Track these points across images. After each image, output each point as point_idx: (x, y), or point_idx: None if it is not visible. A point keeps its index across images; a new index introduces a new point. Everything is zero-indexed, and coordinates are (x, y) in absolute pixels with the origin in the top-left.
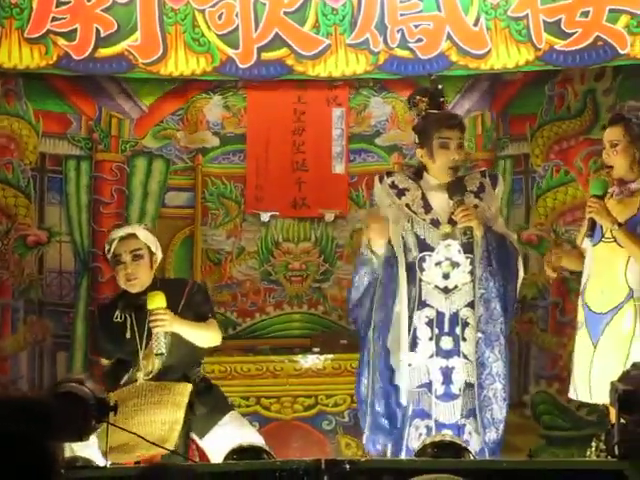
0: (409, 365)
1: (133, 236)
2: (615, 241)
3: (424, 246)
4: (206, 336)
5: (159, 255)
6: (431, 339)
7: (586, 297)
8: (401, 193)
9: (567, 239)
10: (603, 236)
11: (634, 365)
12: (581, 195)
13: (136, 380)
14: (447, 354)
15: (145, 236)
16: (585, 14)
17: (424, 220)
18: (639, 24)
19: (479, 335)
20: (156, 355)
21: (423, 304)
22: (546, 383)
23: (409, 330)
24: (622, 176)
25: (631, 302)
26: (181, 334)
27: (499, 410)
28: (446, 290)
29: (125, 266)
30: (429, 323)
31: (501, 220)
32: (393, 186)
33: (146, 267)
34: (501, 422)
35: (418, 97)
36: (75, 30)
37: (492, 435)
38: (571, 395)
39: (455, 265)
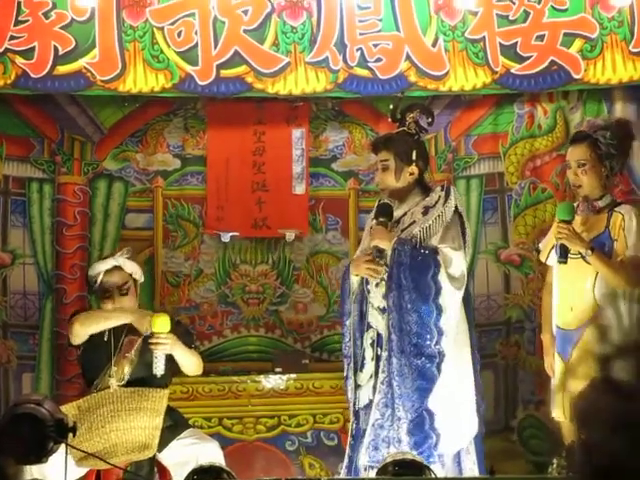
0: (358, 386)
1: (118, 268)
2: (582, 257)
3: None
4: (194, 363)
5: (141, 279)
6: (372, 359)
7: (557, 317)
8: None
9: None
10: (569, 251)
11: (592, 382)
12: None
13: (108, 386)
14: None
15: (130, 267)
16: (540, 38)
17: (369, 242)
18: (592, 48)
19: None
20: (155, 375)
21: (368, 326)
22: (534, 407)
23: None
24: (589, 194)
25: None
26: (176, 357)
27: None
28: (384, 310)
29: (113, 300)
30: (372, 344)
31: (441, 234)
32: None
33: (132, 298)
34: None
35: None
36: (33, 48)
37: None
38: (556, 416)
39: None
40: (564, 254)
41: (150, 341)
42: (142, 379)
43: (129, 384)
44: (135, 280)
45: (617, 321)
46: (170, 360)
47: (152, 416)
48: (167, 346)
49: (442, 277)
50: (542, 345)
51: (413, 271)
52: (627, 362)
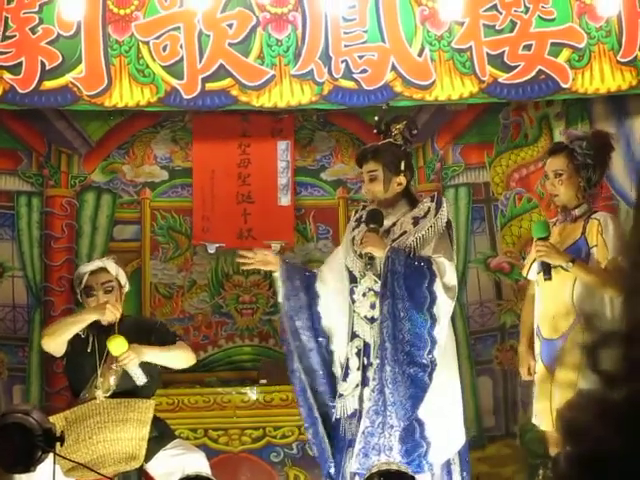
0: (340, 395)
1: (104, 270)
2: (561, 267)
3: (352, 278)
4: (178, 355)
5: (127, 287)
6: (359, 369)
7: (540, 326)
8: (357, 226)
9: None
10: (551, 268)
11: (579, 392)
12: None
13: (95, 398)
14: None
15: (115, 269)
16: (528, 47)
17: (355, 252)
18: (580, 58)
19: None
20: (139, 386)
21: (354, 335)
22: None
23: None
24: (566, 204)
25: (579, 326)
26: (153, 361)
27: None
28: (372, 320)
29: (97, 298)
30: (358, 353)
31: (434, 245)
32: (357, 219)
33: (117, 298)
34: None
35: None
36: (20, 63)
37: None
38: (535, 421)
39: (377, 295)
40: (547, 270)
41: (117, 363)
42: (128, 389)
43: (115, 395)
44: (120, 284)
45: (601, 310)
46: (154, 368)
47: (139, 427)
48: (134, 360)
49: (437, 287)
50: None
51: (407, 280)
52: (613, 350)
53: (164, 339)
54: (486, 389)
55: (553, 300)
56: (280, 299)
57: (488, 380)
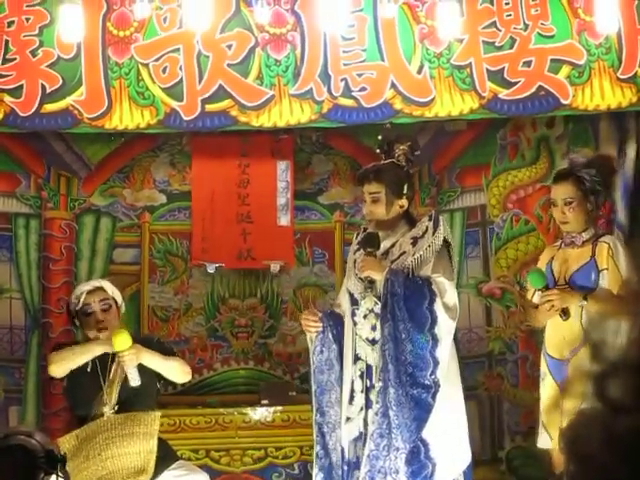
0: (348, 419)
1: (100, 289)
2: (568, 285)
3: (353, 300)
4: (174, 366)
5: (123, 307)
6: (362, 391)
7: (548, 347)
8: (359, 249)
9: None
10: (556, 284)
11: (580, 412)
12: (542, 245)
13: (102, 414)
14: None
15: (111, 288)
16: (527, 64)
17: (356, 275)
18: (580, 74)
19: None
20: (133, 387)
21: (356, 357)
22: (522, 438)
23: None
24: (574, 229)
25: (583, 350)
26: (150, 366)
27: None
28: (373, 342)
29: (95, 315)
30: (361, 376)
31: (432, 264)
32: (359, 242)
33: (114, 317)
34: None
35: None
36: (21, 87)
37: None
38: (542, 445)
39: (378, 316)
40: (564, 312)
41: (118, 360)
42: (129, 400)
43: (120, 409)
44: (116, 303)
45: (610, 339)
46: (150, 376)
47: (145, 440)
48: (133, 358)
49: (438, 307)
50: (525, 377)
51: (407, 301)
52: (622, 379)
53: (162, 351)
54: (472, 415)
55: (563, 322)
56: (312, 353)
57: (474, 406)
